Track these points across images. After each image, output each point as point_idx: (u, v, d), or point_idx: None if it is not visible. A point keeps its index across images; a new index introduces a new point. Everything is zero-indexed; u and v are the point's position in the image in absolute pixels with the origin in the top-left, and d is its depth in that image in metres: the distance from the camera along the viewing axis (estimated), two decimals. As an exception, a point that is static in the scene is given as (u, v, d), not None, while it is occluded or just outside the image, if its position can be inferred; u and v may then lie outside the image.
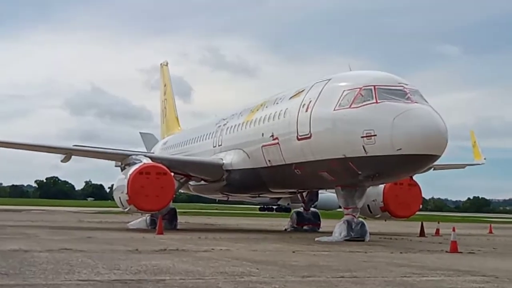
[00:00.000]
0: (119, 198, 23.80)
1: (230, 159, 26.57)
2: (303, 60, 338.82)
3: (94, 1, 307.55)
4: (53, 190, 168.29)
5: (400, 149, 17.79)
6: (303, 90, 22.22)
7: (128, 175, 23.24)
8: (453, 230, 17.75)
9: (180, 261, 11.58)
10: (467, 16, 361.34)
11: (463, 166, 36.06)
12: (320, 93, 20.65)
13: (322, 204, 52.26)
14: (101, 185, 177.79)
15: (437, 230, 28.76)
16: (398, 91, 18.97)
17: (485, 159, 34.74)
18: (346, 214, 20.54)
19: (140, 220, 27.45)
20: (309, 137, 20.55)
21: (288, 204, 34.27)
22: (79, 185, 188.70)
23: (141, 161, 24.49)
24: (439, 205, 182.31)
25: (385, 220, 28.67)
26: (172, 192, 24.02)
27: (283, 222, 33.09)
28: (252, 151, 24.94)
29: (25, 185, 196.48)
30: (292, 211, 31.33)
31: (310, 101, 20.91)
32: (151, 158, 26.05)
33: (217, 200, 43.43)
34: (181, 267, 10.50)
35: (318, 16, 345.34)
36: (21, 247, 13.97)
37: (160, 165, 24.03)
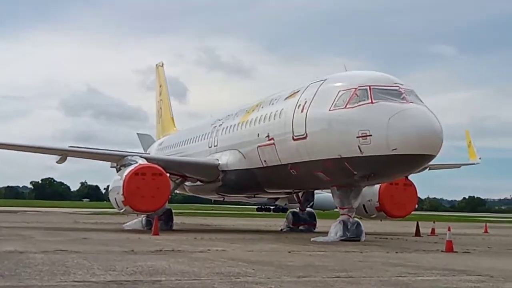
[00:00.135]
0: (115, 199, 23.78)
1: (225, 159, 26.56)
2: (298, 61, 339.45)
3: (91, 2, 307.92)
4: (48, 191, 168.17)
5: (396, 149, 17.82)
6: (298, 91, 22.24)
7: (124, 176, 23.22)
8: (449, 229, 17.81)
9: (176, 262, 11.57)
10: (462, 16, 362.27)
11: (458, 165, 36.12)
12: (315, 94, 20.66)
13: (319, 204, 52.28)
14: (96, 186, 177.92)
15: (433, 229, 28.81)
16: (394, 91, 19.00)
17: (480, 158, 34.80)
18: (341, 214, 20.56)
19: (136, 221, 27.42)
20: (305, 138, 20.56)
21: (286, 204, 34.23)
22: (74, 186, 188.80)
23: (137, 162, 24.47)
24: (435, 204, 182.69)
25: (381, 220, 28.76)
26: (168, 193, 23.99)
27: (279, 223, 33.11)
28: (247, 152, 24.94)
29: (21, 186, 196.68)
30: (288, 211, 31.34)
31: (306, 102, 20.92)
32: (146, 159, 26.03)
33: (212, 201, 43.47)
34: (177, 268, 10.49)
35: (314, 17, 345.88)
36: (16, 248, 13.95)
37: (155, 166, 24.01)
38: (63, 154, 28.26)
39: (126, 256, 12.80)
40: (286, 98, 22.97)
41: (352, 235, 19.99)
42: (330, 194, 22.35)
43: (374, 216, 26.79)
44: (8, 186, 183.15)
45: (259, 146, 23.78)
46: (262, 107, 25.06)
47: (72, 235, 20.25)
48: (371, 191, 25.30)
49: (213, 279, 9.17)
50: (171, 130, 44.05)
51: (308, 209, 30.41)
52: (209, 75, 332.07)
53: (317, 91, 20.71)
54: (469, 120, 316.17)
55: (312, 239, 20.37)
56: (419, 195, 28.11)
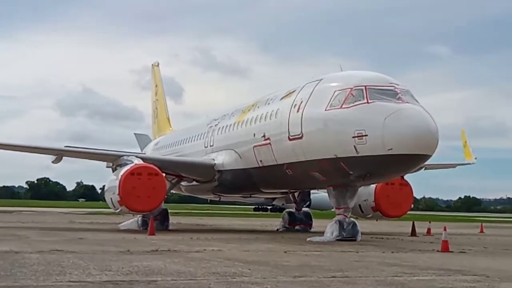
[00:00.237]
0: (111, 199, 23.74)
1: (221, 159, 26.55)
2: (294, 61, 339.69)
3: (86, 3, 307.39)
4: (44, 191, 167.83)
5: (391, 149, 17.83)
6: (294, 91, 22.24)
7: (120, 176, 23.18)
8: (444, 229, 17.82)
9: (171, 262, 11.56)
10: (458, 16, 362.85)
11: (454, 165, 36.14)
12: (311, 94, 20.67)
13: (316, 204, 52.33)
14: (92, 186, 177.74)
15: (428, 229, 28.84)
16: (389, 91, 19.01)
17: (476, 158, 34.89)
18: (337, 214, 20.57)
19: (132, 221, 27.40)
20: (301, 137, 20.56)
21: (283, 204, 34.28)
22: (70, 186, 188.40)
23: (133, 162, 24.43)
24: (430, 204, 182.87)
25: (377, 220, 28.75)
26: (164, 192, 23.98)
27: (275, 223, 33.11)
28: (243, 152, 24.93)
29: (16, 186, 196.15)
30: (284, 211, 31.37)
31: (302, 102, 20.93)
32: (142, 158, 25.99)
33: (208, 201, 43.37)
34: (173, 268, 10.49)
35: (309, 17, 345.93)
36: (12, 248, 13.92)
37: (151, 165, 23.98)
38: (58, 154, 28.22)
39: (122, 256, 12.79)
40: (282, 98, 22.97)
41: (348, 235, 20.00)
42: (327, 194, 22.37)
43: (370, 216, 26.81)
44: (3, 186, 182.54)
45: (255, 146, 23.78)
46: (258, 107, 25.06)
47: (67, 235, 20.22)
48: (367, 191, 25.32)
49: (209, 279, 9.16)
50: (167, 130, 44.01)
51: (304, 209, 30.42)
52: (204, 75, 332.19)
53: (313, 91, 20.72)
54: (464, 120, 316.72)
55: (308, 239, 20.37)
56: (415, 195, 28.15)
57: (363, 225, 22.83)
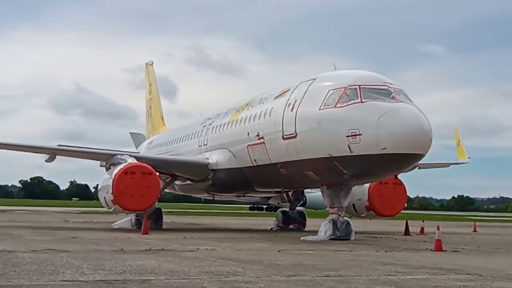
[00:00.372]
0: (104, 198, 23.69)
1: (215, 158, 26.53)
2: (288, 60, 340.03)
3: (80, 2, 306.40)
4: (37, 190, 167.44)
5: (385, 148, 17.85)
6: (288, 90, 22.24)
7: (113, 175, 23.12)
8: (438, 228, 17.85)
9: (165, 261, 11.55)
10: (452, 16, 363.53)
11: (447, 165, 36.24)
12: (305, 93, 20.67)
13: (312, 204, 52.44)
14: (86, 185, 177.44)
15: (422, 228, 28.89)
16: (383, 91, 19.03)
17: (469, 158, 35.02)
18: (331, 213, 20.58)
19: (125, 220, 27.36)
20: (295, 137, 20.57)
21: (278, 203, 34.26)
22: (64, 185, 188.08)
23: (126, 161, 24.39)
24: (424, 203, 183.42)
25: (370, 219, 28.80)
26: (158, 192, 23.93)
27: (269, 222, 33.11)
28: (237, 151, 24.92)
29: (9, 185, 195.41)
30: (278, 210, 31.37)
31: (296, 101, 20.93)
32: (136, 157, 25.94)
33: (202, 200, 43.39)
34: (166, 267, 10.47)
35: (304, 16, 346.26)
36: (5, 247, 13.86)
37: (145, 164, 23.93)
38: (52, 153, 28.14)
39: (115, 255, 12.76)
40: (276, 97, 22.97)
41: (341, 234, 20.02)
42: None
43: (363, 215, 26.86)
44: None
45: (249, 145, 23.77)
46: (252, 106, 25.05)
47: (61, 234, 20.16)
48: (361, 190, 25.37)
49: (203, 278, 9.15)
50: (161, 129, 43.97)
51: (298, 208, 30.44)
52: (199, 74, 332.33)
53: (307, 90, 20.72)
54: (458, 119, 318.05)
55: (301, 238, 20.38)
56: (408, 194, 28.24)
57: (356, 224, 22.87)
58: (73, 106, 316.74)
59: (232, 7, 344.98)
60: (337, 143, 18.77)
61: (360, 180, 20.77)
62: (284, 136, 21.16)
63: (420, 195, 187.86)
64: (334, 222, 20.21)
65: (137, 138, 46.41)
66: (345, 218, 20.89)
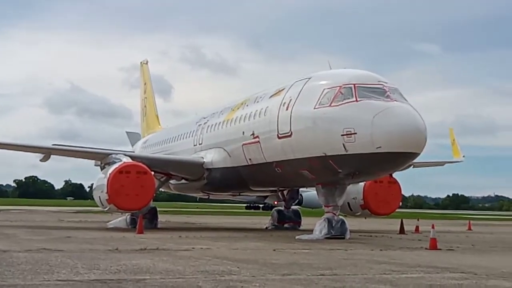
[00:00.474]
0: (99, 197, 23.64)
1: (210, 157, 26.52)
2: (283, 59, 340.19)
3: (76, 0, 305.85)
4: (32, 190, 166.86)
5: (380, 147, 17.86)
6: (283, 89, 22.24)
7: (108, 174, 23.09)
8: (433, 227, 17.87)
9: (160, 260, 11.54)
10: (447, 15, 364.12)
11: (442, 163, 36.29)
12: (300, 92, 20.68)
13: (308, 203, 52.42)
14: (81, 185, 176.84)
15: (417, 227, 28.92)
16: (378, 90, 19.04)
17: (464, 156, 35.03)
18: (326, 212, 20.60)
19: (120, 219, 27.32)
20: (290, 136, 20.58)
21: (275, 202, 34.28)
22: (58, 185, 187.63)
23: (121, 160, 24.35)
24: (419, 202, 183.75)
25: (365, 218, 28.81)
26: (153, 191, 23.91)
27: (265, 221, 33.10)
28: (232, 150, 24.91)
29: (4, 184, 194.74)
30: (273, 209, 31.38)
31: (291, 100, 20.94)
32: (131, 157, 25.91)
33: (198, 199, 43.34)
34: (161, 266, 10.46)
35: (299, 15, 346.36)
36: (-1, 247, 13.84)
37: (140, 164, 23.90)
38: (46, 152, 28.04)
39: (110, 254, 12.74)
40: (271, 96, 22.97)
41: (336, 233, 20.03)
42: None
43: (358, 213, 26.90)
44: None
45: (244, 144, 23.76)
46: (247, 105, 25.04)
47: (56, 234, 20.12)
48: (356, 189, 25.42)
49: (198, 277, 9.15)
50: (155, 128, 43.92)
51: (293, 207, 30.48)
52: (194, 73, 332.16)
53: (302, 89, 20.72)
54: (453, 118, 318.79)
55: (297, 237, 20.39)
56: (403, 192, 28.31)
57: (351, 223, 22.88)
58: (67, 105, 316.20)
59: (227, 6, 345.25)
60: (332, 142, 18.78)
61: (355, 179, 20.79)
62: (279, 135, 21.16)
63: (415, 194, 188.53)
64: (329, 221, 20.22)
65: (134, 137, 46.36)
66: (340, 217, 20.90)
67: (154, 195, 24.91)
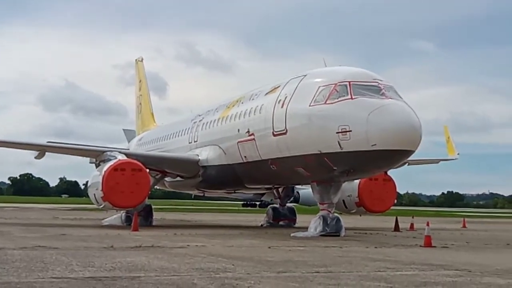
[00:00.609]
0: (94, 195, 23.60)
1: (206, 155, 26.50)
2: (278, 56, 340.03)
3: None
4: (27, 187, 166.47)
5: (375, 144, 17.88)
6: (278, 86, 22.24)
7: (103, 172, 23.06)
8: (427, 224, 17.93)
9: (155, 258, 11.54)
10: (442, 12, 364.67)
11: (437, 161, 36.35)
12: (295, 89, 20.68)
13: (305, 200, 52.29)
14: (75, 182, 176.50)
15: (412, 224, 29.00)
16: (373, 87, 19.06)
17: (458, 154, 35.08)
18: (321, 210, 20.63)
19: (115, 216, 27.26)
20: (285, 133, 20.57)
21: (272, 200, 34.24)
22: (53, 182, 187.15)
23: (116, 158, 24.30)
24: (414, 200, 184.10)
25: (360, 215, 28.87)
26: (148, 188, 23.87)
27: (260, 218, 33.13)
28: (228, 147, 24.90)
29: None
30: (268, 206, 31.39)
31: (286, 97, 20.93)
32: (126, 154, 25.85)
33: (193, 196, 43.31)
34: (156, 264, 10.46)
35: (294, 12, 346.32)
36: (-6, 244, 13.81)
37: (135, 161, 23.88)
38: (41, 150, 27.93)
39: (105, 252, 12.74)
40: (267, 93, 22.96)
41: (331, 230, 20.05)
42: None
43: (353, 211, 26.96)
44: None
45: (239, 142, 23.75)
46: (242, 103, 25.03)
47: (50, 231, 20.09)
48: (351, 187, 25.46)
49: (193, 275, 9.15)
50: (151, 125, 43.86)
51: (288, 204, 30.51)
52: (189, 71, 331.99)
53: (297, 86, 20.73)
54: (447, 116, 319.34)
55: (292, 234, 20.42)
56: (398, 190, 28.33)
57: (346, 220, 22.90)
58: (62, 102, 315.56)
59: (222, 3, 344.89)
60: (327, 140, 18.79)
61: (350, 177, 20.83)
62: (275, 133, 21.16)
63: (409, 191, 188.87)
64: (324, 218, 20.24)
65: (130, 135, 46.31)
66: (335, 214, 20.95)
67: (149, 192, 24.88)
